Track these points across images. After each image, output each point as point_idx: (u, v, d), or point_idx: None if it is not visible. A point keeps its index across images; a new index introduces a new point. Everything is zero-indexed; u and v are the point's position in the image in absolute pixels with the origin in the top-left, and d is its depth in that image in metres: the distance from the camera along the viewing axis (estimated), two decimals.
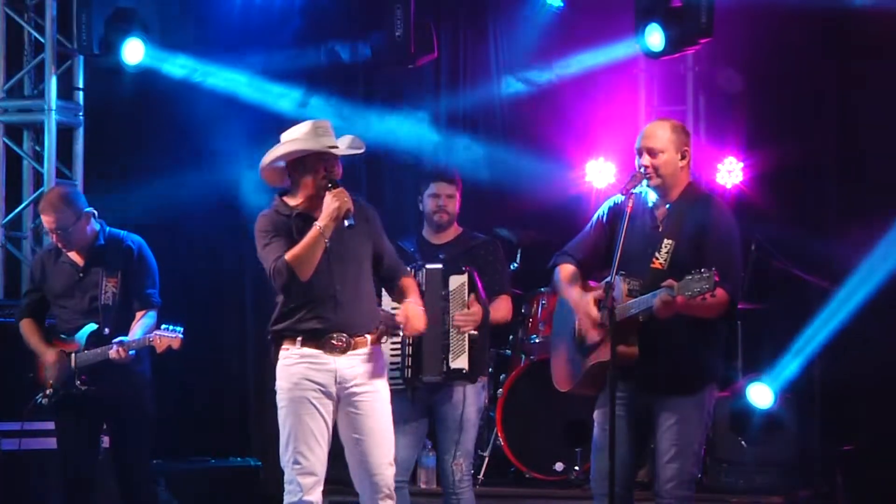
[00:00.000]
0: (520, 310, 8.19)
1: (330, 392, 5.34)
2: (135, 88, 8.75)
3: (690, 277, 4.92)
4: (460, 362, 5.97)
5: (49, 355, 6.22)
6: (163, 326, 6.05)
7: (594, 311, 5.25)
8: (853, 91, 8.51)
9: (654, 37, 8.18)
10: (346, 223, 5.24)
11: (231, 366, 9.11)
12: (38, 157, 8.60)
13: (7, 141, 8.63)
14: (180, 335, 5.98)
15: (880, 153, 8.39)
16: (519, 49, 9.21)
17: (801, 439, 7.72)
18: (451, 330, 5.98)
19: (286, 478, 5.35)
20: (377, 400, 5.38)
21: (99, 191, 8.68)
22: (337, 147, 5.36)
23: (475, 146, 9.32)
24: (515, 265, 8.25)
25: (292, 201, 5.41)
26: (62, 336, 6.29)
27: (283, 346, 5.38)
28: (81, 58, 8.66)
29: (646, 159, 5.27)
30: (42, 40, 8.55)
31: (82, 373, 6.14)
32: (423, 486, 7.55)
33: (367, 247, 5.44)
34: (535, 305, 8.17)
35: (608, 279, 5.14)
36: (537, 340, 8.09)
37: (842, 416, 7.90)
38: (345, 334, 5.32)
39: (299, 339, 5.34)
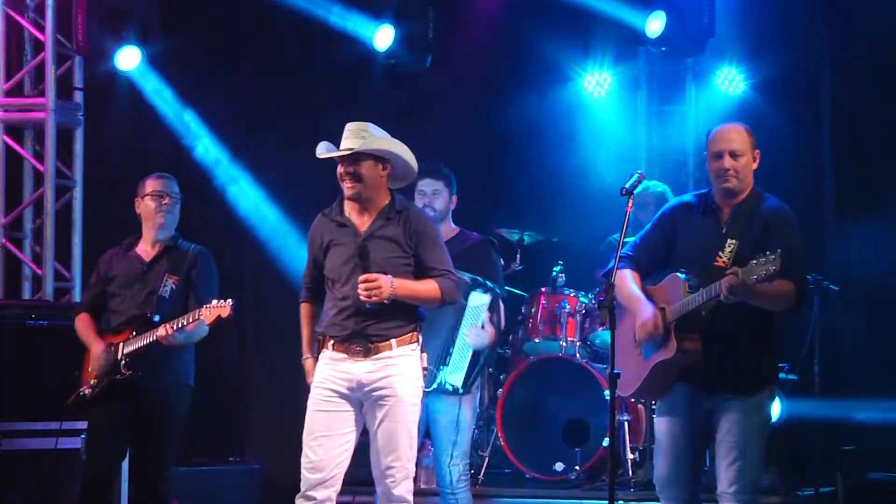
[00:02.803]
0: (520, 310, 8.19)
1: (347, 395, 5.40)
2: (134, 89, 8.75)
3: (755, 261, 4.90)
4: (456, 379, 5.98)
5: (97, 347, 6.30)
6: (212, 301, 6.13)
7: (657, 324, 5.21)
8: (853, 90, 8.52)
9: (655, 23, 8.19)
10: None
11: (231, 366, 9.11)
12: (39, 157, 8.60)
13: (7, 141, 8.62)
14: (230, 303, 6.01)
15: (880, 153, 8.40)
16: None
17: (801, 439, 7.72)
18: (457, 345, 5.97)
19: None
20: (396, 405, 5.38)
21: (99, 191, 8.72)
22: (339, 150, 5.42)
23: (475, 145, 9.35)
24: (516, 265, 8.25)
25: None
26: (114, 328, 6.35)
27: (322, 348, 5.49)
28: (81, 58, 8.66)
29: (728, 162, 5.25)
30: (42, 40, 8.55)
31: (129, 360, 6.21)
32: (422, 486, 7.55)
33: (398, 255, 5.42)
34: (535, 306, 8.16)
35: (610, 280, 5.14)
36: (537, 341, 8.08)
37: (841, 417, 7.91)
38: (364, 341, 5.37)
39: (331, 342, 5.45)
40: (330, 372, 5.42)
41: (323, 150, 5.45)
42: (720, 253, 5.20)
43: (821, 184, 8.59)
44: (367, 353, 5.37)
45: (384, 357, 5.38)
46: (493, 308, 6.03)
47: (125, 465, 6.78)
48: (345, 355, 5.40)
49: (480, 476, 7.81)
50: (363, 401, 5.41)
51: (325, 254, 5.50)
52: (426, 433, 6.31)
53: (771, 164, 8.46)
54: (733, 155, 5.25)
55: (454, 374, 5.96)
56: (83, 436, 6.61)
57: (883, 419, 7.69)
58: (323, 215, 5.57)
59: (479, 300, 6.01)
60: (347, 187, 5.42)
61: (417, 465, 7.28)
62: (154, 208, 6.41)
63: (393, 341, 5.40)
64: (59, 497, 6.92)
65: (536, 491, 7.71)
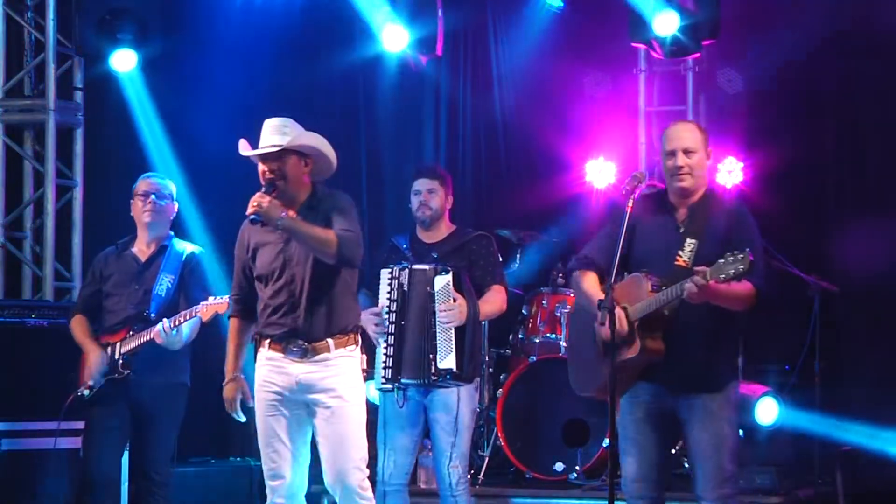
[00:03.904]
0: (520, 310, 8.19)
1: (290, 397, 5.37)
2: (131, 89, 8.75)
3: (723, 260, 4.89)
4: (448, 362, 5.94)
5: (93, 353, 6.31)
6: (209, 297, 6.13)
7: (621, 324, 5.18)
8: (853, 90, 8.52)
9: (669, 22, 8.20)
10: (251, 218, 5.30)
11: None
12: (39, 157, 8.60)
13: (7, 141, 8.63)
14: (226, 300, 5.99)
15: (880, 153, 8.40)
16: (519, 49, 9.23)
17: (801, 439, 7.72)
18: (438, 330, 5.99)
19: None
20: (341, 406, 5.34)
21: (99, 191, 8.71)
22: (259, 147, 5.37)
23: (475, 145, 9.35)
24: (515, 265, 8.25)
25: None
26: (110, 328, 6.36)
27: (258, 348, 5.47)
28: (81, 58, 8.66)
29: (682, 159, 5.25)
30: (42, 40, 8.56)
31: (126, 359, 6.23)
32: (422, 486, 7.55)
33: None
34: (535, 306, 8.16)
35: (610, 280, 5.11)
36: (537, 341, 8.08)
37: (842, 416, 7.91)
38: (302, 340, 5.34)
39: (267, 342, 5.42)
40: (269, 373, 5.39)
41: (247, 148, 5.38)
42: (680, 252, 5.21)
43: (821, 184, 8.58)
44: (304, 355, 5.34)
45: (322, 359, 5.35)
46: (458, 283, 6.02)
47: (125, 464, 6.79)
48: (281, 355, 5.37)
49: (480, 476, 7.80)
50: (306, 401, 5.38)
51: (253, 257, 5.46)
52: (426, 434, 6.31)
53: (771, 163, 8.56)
54: (686, 152, 5.25)
55: (445, 358, 5.95)
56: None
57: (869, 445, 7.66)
58: (246, 224, 5.49)
59: (442, 281, 6.01)
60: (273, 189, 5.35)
61: (418, 465, 7.31)
62: (140, 208, 6.45)
63: (330, 342, 5.35)
64: (58, 497, 6.92)
65: (536, 491, 7.70)
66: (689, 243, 5.20)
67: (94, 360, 6.28)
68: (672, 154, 5.27)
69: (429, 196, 6.30)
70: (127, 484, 6.95)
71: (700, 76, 8.84)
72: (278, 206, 5.24)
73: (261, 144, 5.36)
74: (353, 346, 5.43)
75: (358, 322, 5.53)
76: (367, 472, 5.44)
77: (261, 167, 5.37)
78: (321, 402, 5.34)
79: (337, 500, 5.44)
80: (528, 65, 9.18)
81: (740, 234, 5.15)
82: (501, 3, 9.31)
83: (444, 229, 6.36)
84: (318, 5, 9.03)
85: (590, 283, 5.39)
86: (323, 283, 5.34)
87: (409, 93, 9.25)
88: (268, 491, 5.41)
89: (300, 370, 5.34)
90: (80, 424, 6.50)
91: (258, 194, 5.27)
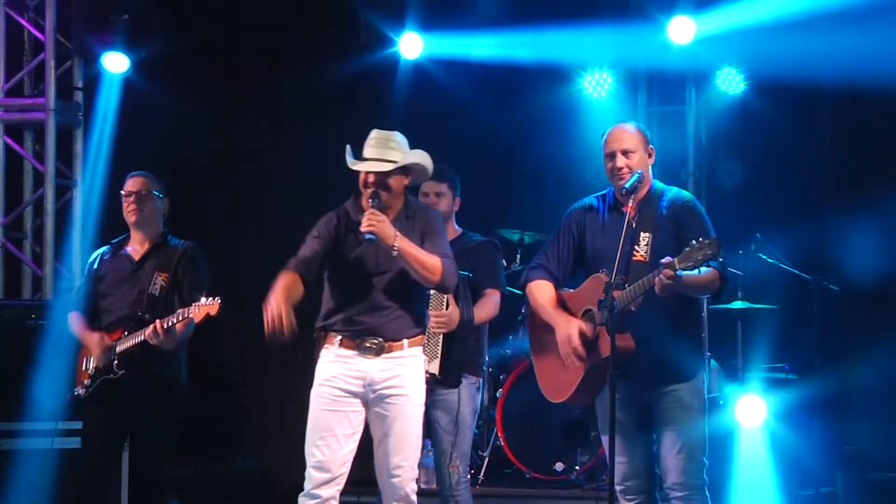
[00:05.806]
0: (520, 310, 8.20)
1: (357, 392, 5.42)
2: (131, 90, 8.75)
3: (689, 249, 4.98)
4: (432, 367, 5.96)
5: (92, 337, 6.33)
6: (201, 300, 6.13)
7: (576, 341, 5.28)
8: (853, 90, 8.51)
9: (685, 29, 8.22)
10: (366, 237, 5.33)
11: (231, 366, 9.12)
12: (39, 157, 8.60)
13: (7, 141, 8.63)
14: (217, 301, 6.01)
15: (880, 152, 8.39)
16: None
17: (800, 439, 7.73)
18: (427, 333, 5.98)
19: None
20: (406, 404, 5.42)
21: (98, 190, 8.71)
22: (364, 161, 5.42)
23: (476, 145, 9.34)
24: (516, 265, 8.25)
25: None
26: (106, 327, 6.37)
27: (325, 345, 5.49)
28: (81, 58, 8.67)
29: (620, 161, 5.39)
30: (42, 40, 8.55)
31: (121, 358, 6.23)
32: (422, 485, 7.54)
33: None
34: None
35: (608, 281, 5.14)
36: None
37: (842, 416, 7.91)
38: (379, 338, 5.40)
39: (338, 338, 5.44)
40: (339, 370, 5.43)
41: (357, 162, 5.42)
42: (636, 247, 5.30)
43: (821, 183, 8.59)
44: (380, 352, 5.40)
45: (395, 356, 5.42)
46: (455, 291, 6.02)
47: (125, 465, 6.79)
48: (355, 352, 5.42)
49: (480, 476, 7.81)
50: (370, 398, 5.43)
51: (337, 251, 5.48)
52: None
53: (771, 163, 8.56)
54: (625, 153, 5.39)
55: (431, 362, 5.96)
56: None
57: None
58: (340, 214, 5.53)
59: None
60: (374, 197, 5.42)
61: (418, 465, 7.31)
62: (125, 208, 6.46)
63: (405, 341, 5.44)
64: (56, 497, 6.92)
65: (536, 491, 7.72)
66: (644, 237, 5.31)
67: (93, 345, 6.28)
68: (611, 156, 5.41)
69: (437, 199, 6.29)
70: (127, 484, 6.97)
71: (700, 76, 8.84)
72: (391, 228, 5.31)
73: (367, 155, 5.43)
74: (421, 349, 5.53)
75: (425, 326, 5.60)
76: (417, 473, 5.49)
77: (366, 176, 5.42)
78: (388, 398, 5.41)
79: (384, 498, 5.47)
80: (528, 64, 9.17)
81: (690, 224, 5.26)
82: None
83: (451, 233, 6.35)
84: (319, 5, 9.03)
85: (544, 295, 5.49)
86: (409, 287, 5.43)
87: (409, 93, 9.24)
88: (307, 481, 5.41)
89: (374, 367, 5.41)
90: (78, 425, 6.51)
91: (370, 211, 5.32)
